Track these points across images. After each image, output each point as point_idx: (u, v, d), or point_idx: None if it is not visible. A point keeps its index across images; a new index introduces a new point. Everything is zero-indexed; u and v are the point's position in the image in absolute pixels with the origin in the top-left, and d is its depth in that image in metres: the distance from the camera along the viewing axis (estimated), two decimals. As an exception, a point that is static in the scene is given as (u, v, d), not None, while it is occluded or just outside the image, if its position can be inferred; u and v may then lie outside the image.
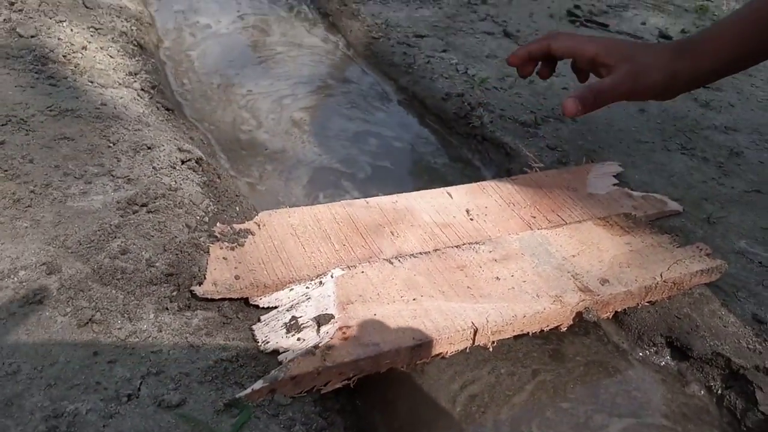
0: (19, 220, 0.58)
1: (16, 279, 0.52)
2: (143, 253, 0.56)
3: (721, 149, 0.95)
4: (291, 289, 0.57)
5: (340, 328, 0.52)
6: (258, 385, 0.47)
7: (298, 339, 0.51)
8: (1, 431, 0.40)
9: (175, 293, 0.54)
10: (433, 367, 0.53)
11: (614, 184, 0.80)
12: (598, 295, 0.59)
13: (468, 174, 0.92)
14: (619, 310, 0.61)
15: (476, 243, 0.65)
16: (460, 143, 0.98)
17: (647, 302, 0.62)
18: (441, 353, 0.54)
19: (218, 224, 0.62)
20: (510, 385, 0.52)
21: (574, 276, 0.61)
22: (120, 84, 0.87)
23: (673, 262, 0.64)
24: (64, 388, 0.44)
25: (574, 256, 0.64)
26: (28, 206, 0.59)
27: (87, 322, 0.49)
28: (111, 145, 0.71)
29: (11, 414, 0.41)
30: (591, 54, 0.58)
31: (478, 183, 0.77)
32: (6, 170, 0.63)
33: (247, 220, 0.65)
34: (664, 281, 0.61)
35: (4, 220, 0.57)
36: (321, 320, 0.52)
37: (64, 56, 0.89)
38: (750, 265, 0.71)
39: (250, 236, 0.62)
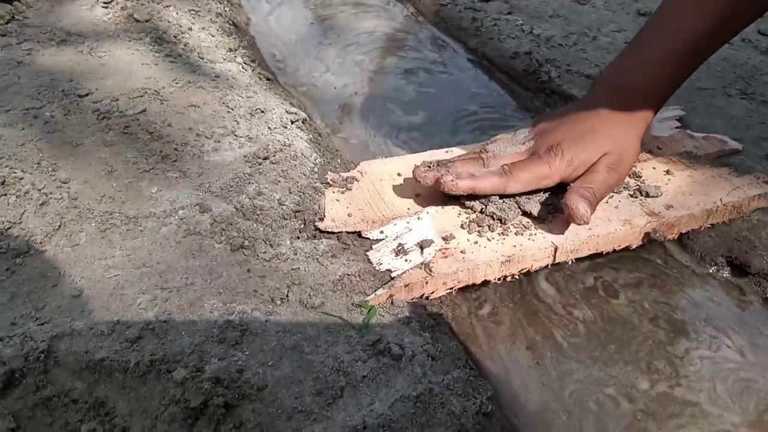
0: (170, 171, 0.70)
1: (177, 216, 0.64)
2: (274, 194, 0.68)
3: (783, 91, 0.99)
4: (395, 224, 0.67)
5: (440, 249, 0.62)
6: (380, 291, 0.58)
7: (406, 260, 0.62)
8: (191, 323, 0.53)
9: (302, 226, 0.65)
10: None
11: (677, 127, 0.86)
12: (664, 218, 0.67)
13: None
14: (683, 231, 0.68)
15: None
16: (530, 96, 1.05)
17: (709, 225, 0.70)
18: (526, 268, 0.63)
19: (329, 173, 0.73)
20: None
21: (641, 204, 0.69)
22: (224, 59, 0.99)
23: (732, 188, 0.71)
24: (231, 295, 0.56)
25: (641, 188, 0.72)
26: (175, 161, 0.72)
27: (238, 248, 0.61)
28: (230, 110, 0.83)
29: (195, 312, 0.54)
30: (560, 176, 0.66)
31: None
32: (151, 132, 0.75)
33: (350, 170, 0.75)
34: (724, 205, 0.69)
35: (158, 172, 0.70)
36: (423, 244, 0.63)
37: (175, 36, 1.01)
38: (808, 194, 0.77)
39: (355, 182, 0.72)
